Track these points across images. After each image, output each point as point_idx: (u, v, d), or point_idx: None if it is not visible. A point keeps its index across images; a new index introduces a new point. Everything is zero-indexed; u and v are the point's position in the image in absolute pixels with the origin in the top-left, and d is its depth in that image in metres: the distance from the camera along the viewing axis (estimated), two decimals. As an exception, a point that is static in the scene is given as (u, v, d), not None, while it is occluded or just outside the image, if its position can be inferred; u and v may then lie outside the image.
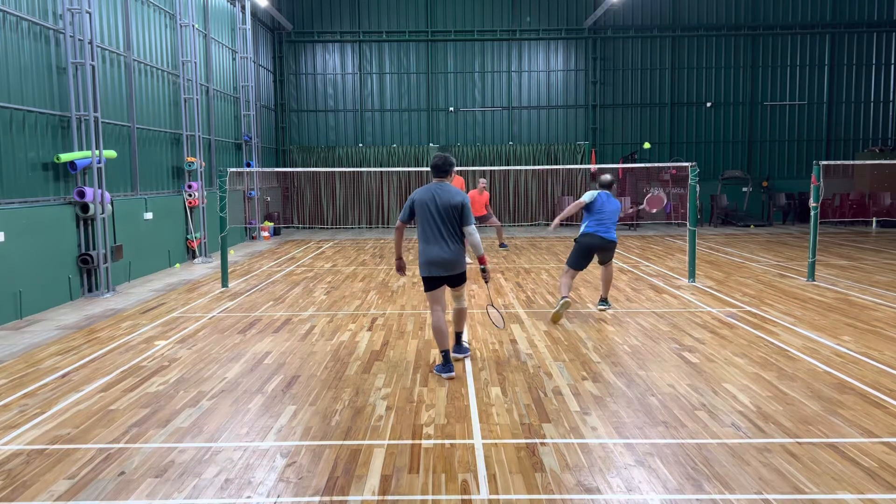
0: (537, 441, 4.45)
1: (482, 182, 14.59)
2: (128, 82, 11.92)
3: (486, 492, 3.76)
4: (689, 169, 10.65)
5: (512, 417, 4.88)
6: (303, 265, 13.42)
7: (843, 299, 9.12)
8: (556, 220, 8.35)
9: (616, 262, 13.24)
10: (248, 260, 14.38)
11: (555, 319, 7.95)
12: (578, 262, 8.21)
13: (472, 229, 5.88)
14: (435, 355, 6.58)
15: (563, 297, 7.93)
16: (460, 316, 6.31)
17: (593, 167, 21.25)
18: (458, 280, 6.07)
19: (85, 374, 6.05)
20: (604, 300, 8.54)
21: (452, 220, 5.85)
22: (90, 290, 10.18)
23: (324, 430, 4.70)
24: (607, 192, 8.36)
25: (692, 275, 10.63)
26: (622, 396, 5.31)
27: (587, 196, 8.23)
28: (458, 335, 6.41)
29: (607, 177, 8.41)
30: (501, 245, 15.67)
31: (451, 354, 6.16)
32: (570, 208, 8.17)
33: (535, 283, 10.81)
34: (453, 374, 5.83)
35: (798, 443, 4.38)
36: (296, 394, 5.46)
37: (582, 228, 8.24)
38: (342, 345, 7.03)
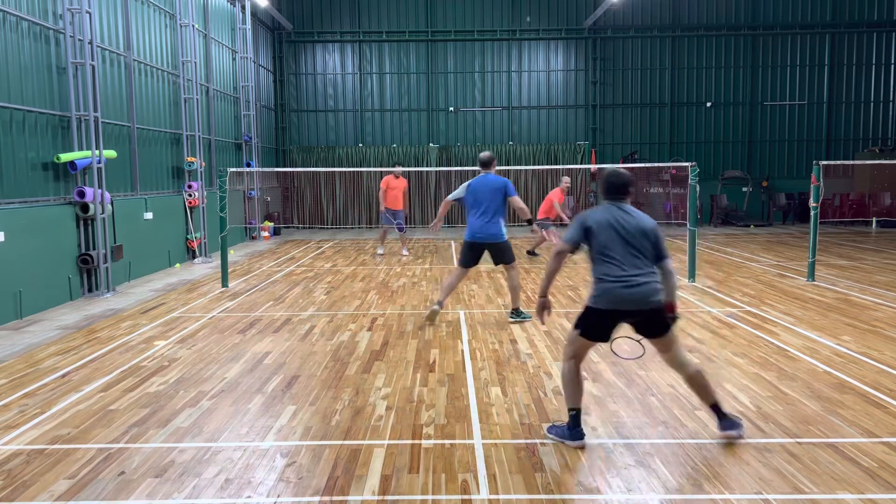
0: (537, 441, 4.44)
1: (566, 181, 13.99)
2: (128, 82, 11.92)
3: (486, 492, 3.76)
4: (689, 169, 10.65)
5: (512, 417, 4.88)
6: (303, 265, 13.42)
7: (843, 299, 9.12)
8: (435, 223, 8.78)
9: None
10: (248, 260, 14.38)
11: (429, 320, 7.93)
12: (463, 258, 8.00)
13: (668, 264, 4.42)
14: (435, 356, 6.58)
15: (436, 303, 7.90)
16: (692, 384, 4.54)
17: (593, 167, 21.27)
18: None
19: (85, 374, 6.05)
20: (515, 311, 7.96)
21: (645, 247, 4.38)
22: (90, 290, 10.18)
23: (324, 430, 4.70)
24: (485, 172, 7.87)
25: (692, 275, 10.63)
26: (622, 396, 5.31)
27: (455, 192, 8.21)
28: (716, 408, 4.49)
29: (486, 154, 7.96)
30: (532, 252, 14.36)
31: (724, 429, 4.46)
32: (441, 209, 8.59)
33: (535, 284, 10.81)
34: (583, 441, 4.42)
35: (798, 443, 4.37)
36: (296, 394, 5.46)
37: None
38: (342, 345, 7.03)
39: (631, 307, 4.31)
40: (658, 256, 4.37)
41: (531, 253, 14.30)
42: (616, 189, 4.45)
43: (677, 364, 4.50)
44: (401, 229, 14.48)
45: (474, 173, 22.11)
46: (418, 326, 7.85)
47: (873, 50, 22.85)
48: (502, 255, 7.92)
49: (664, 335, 4.43)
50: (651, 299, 4.29)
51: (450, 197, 8.36)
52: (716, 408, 4.44)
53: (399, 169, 14.11)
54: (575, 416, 4.39)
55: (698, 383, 4.47)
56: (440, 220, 8.85)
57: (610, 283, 4.28)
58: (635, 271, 4.27)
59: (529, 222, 8.24)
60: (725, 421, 4.42)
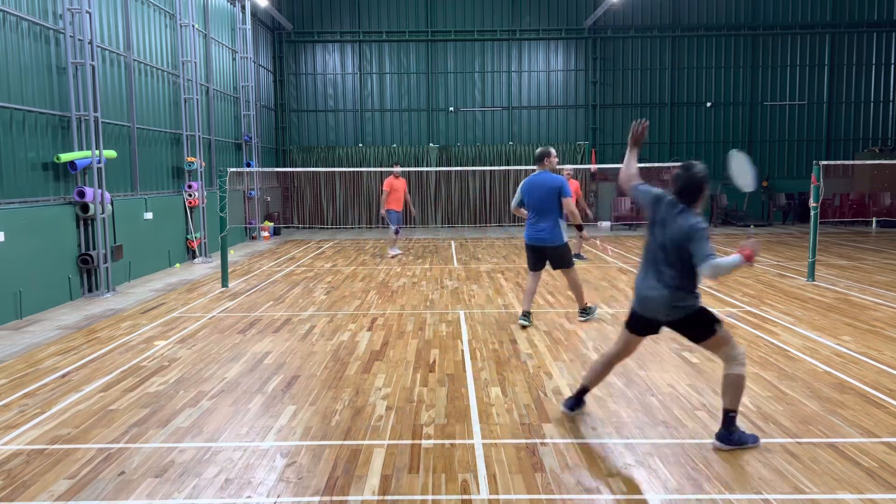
0: (537, 441, 4.44)
1: (567, 170, 12.42)
2: (128, 82, 11.92)
3: (486, 492, 3.76)
4: (689, 169, 10.63)
5: (512, 417, 4.88)
6: (303, 265, 13.42)
7: (843, 299, 9.12)
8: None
9: (616, 263, 13.26)
10: (248, 260, 14.38)
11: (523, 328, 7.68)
12: (529, 262, 7.85)
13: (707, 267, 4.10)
14: (435, 356, 6.58)
15: (521, 315, 7.78)
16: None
17: (593, 167, 21.27)
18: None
19: (85, 374, 6.05)
20: (583, 310, 7.98)
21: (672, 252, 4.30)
22: (90, 290, 10.18)
23: (324, 430, 4.70)
24: (541, 170, 7.59)
25: (692, 275, 10.61)
26: (622, 396, 5.31)
27: (516, 198, 7.77)
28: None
29: (540, 149, 7.66)
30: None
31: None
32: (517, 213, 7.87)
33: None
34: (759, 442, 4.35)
35: (798, 443, 4.37)
36: (296, 394, 5.46)
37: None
38: (342, 345, 7.03)
39: None
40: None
41: (577, 256, 13.34)
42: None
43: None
44: (396, 231, 14.52)
45: (474, 173, 22.30)
46: (418, 326, 7.85)
47: (873, 50, 22.85)
48: (560, 260, 7.68)
49: None
50: None
51: (515, 204, 7.82)
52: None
53: (398, 169, 14.07)
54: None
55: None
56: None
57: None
58: None
59: (580, 228, 8.14)
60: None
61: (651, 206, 4.47)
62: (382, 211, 14.18)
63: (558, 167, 8.11)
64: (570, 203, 7.44)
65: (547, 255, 7.66)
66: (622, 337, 4.67)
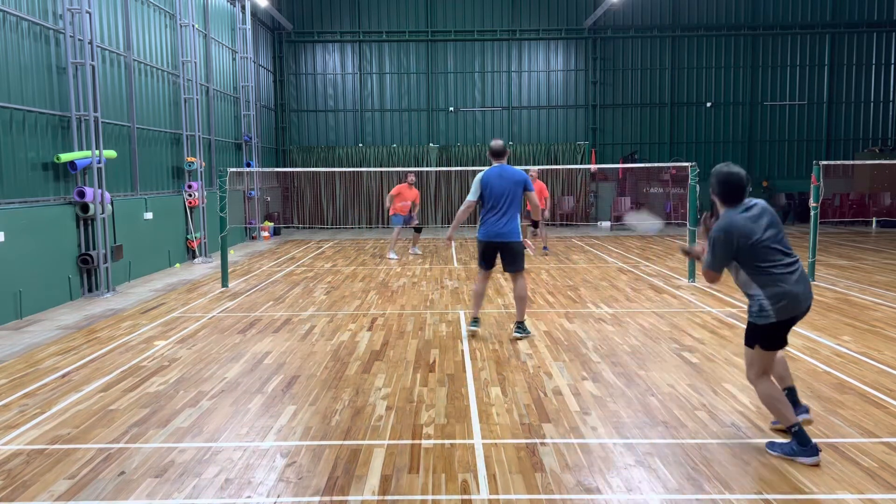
0: (537, 441, 4.44)
1: (534, 171, 13.42)
2: (128, 82, 11.92)
3: (486, 492, 3.76)
4: (689, 169, 10.66)
5: (512, 417, 4.88)
6: (303, 265, 13.42)
7: (842, 299, 9.12)
8: (449, 233, 7.53)
9: (616, 262, 13.26)
10: (248, 260, 14.38)
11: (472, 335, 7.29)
12: (482, 260, 7.24)
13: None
14: (435, 356, 6.58)
15: (472, 321, 7.38)
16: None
17: (593, 167, 21.28)
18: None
19: (85, 374, 6.05)
20: (520, 325, 7.25)
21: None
22: (90, 290, 10.18)
23: (324, 430, 4.70)
24: (500, 163, 7.09)
25: (692, 275, 10.63)
26: (622, 396, 5.31)
27: (472, 191, 7.10)
28: None
29: (499, 142, 7.16)
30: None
31: None
32: (460, 215, 7.22)
33: (535, 283, 10.81)
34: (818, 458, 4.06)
35: (798, 443, 4.37)
36: (296, 394, 5.46)
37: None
38: (342, 345, 7.03)
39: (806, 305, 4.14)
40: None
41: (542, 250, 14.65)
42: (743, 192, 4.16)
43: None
44: (418, 229, 14.86)
45: (474, 173, 22.22)
46: (418, 326, 7.85)
47: (873, 50, 22.86)
48: (514, 261, 7.08)
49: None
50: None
51: (470, 197, 7.13)
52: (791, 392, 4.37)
53: (413, 178, 14.13)
54: (799, 430, 4.04)
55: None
56: (455, 229, 7.49)
57: (787, 287, 4.02)
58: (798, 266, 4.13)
59: (535, 225, 7.94)
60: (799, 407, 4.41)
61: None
62: (387, 204, 14.30)
63: (526, 169, 8.03)
64: (534, 197, 7.14)
65: (503, 252, 7.08)
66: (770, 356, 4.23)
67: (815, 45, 22.83)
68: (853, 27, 22.68)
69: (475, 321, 7.40)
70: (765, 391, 4.15)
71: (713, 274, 4.17)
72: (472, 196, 7.10)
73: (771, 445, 4.22)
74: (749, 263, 4.07)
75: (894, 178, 21.26)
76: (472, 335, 7.31)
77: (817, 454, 4.00)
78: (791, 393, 4.43)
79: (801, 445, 4.03)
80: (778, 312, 4.01)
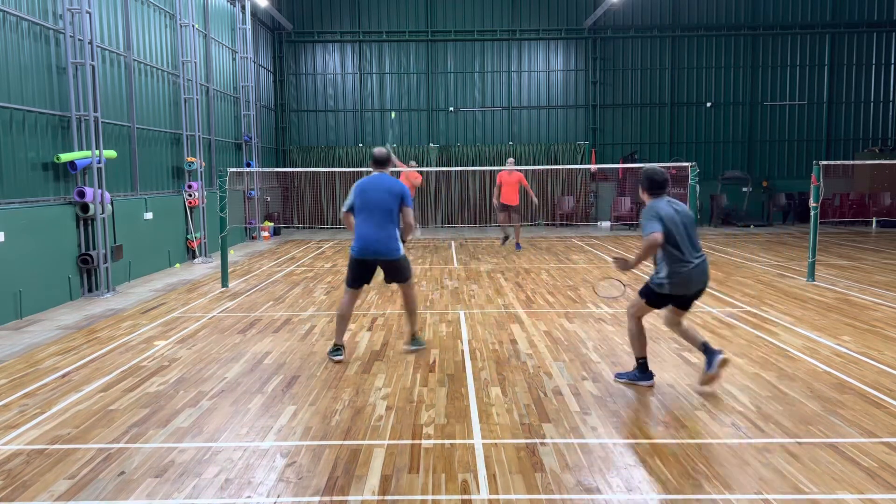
0: (537, 441, 4.44)
1: (510, 162, 14.83)
2: (128, 82, 11.92)
3: (486, 492, 3.76)
4: (689, 169, 10.66)
5: (512, 417, 4.88)
6: (303, 265, 13.42)
7: (842, 299, 9.12)
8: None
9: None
10: (248, 260, 14.38)
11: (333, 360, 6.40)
12: (352, 277, 6.55)
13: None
14: (435, 356, 6.58)
15: (333, 349, 6.42)
16: None
17: (593, 167, 21.27)
18: None
19: (85, 374, 6.05)
20: (414, 337, 6.81)
21: None
22: (90, 290, 10.18)
23: (324, 430, 4.70)
24: (380, 171, 6.49)
25: (692, 275, 10.62)
26: (622, 396, 5.31)
27: (348, 200, 6.44)
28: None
29: (382, 150, 6.60)
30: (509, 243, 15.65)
31: None
32: (346, 224, 6.51)
33: (535, 283, 10.81)
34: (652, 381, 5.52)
35: (798, 443, 4.38)
36: (296, 394, 5.46)
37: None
38: (342, 345, 7.02)
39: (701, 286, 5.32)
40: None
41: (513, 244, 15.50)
42: (663, 184, 5.32)
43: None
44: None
45: (474, 173, 22.28)
46: (418, 327, 7.84)
47: (873, 50, 22.85)
48: (398, 273, 6.54)
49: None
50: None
51: (345, 208, 6.50)
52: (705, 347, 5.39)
53: (413, 163, 14.74)
54: (643, 363, 5.54)
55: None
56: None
57: (685, 268, 5.16)
58: (697, 254, 5.25)
59: (403, 241, 6.67)
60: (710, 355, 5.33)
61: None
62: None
63: (408, 167, 7.80)
64: (409, 214, 6.39)
65: (385, 269, 6.54)
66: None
67: (815, 45, 22.82)
68: (853, 27, 22.68)
69: (337, 350, 6.41)
70: (632, 327, 5.57)
71: (652, 236, 5.05)
72: (345, 206, 6.48)
73: (618, 375, 5.69)
74: (667, 243, 5.13)
75: (894, 178, 21.25)
76: (338, 363, 6.33)
77: (651, 378, 5.52)
78: (706, 345, 5.40)
79: (641, 373, 5.53)
80: (671, 287, 5.23)
